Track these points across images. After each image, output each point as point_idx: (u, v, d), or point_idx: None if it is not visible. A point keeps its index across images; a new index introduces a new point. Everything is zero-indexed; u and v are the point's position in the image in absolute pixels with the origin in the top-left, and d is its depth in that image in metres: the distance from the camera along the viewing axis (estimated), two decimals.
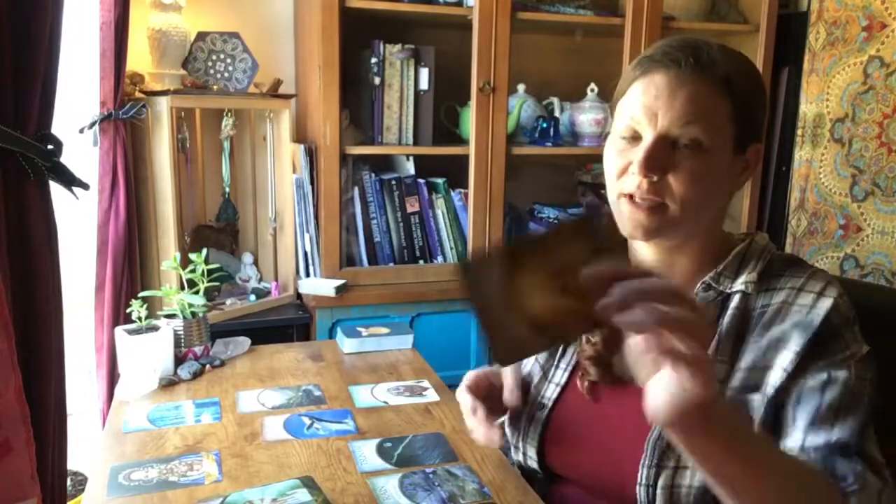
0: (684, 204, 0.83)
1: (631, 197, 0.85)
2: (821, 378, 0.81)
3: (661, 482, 0.84)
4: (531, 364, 1.03)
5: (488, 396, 0.96)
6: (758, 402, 0.83)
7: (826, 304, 0.83)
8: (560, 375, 0.99)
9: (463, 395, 0.95)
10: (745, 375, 0.85)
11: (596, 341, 0.95)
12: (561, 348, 1.00)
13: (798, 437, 0.80)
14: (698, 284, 0.89)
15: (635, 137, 0.86)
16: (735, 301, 0.88)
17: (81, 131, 1.73)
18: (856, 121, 2.24)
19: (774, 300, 0.86)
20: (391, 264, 2.18)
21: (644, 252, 0.93)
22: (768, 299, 0.87)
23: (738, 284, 0.88)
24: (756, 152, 0.90)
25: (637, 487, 0.85)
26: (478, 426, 0.92)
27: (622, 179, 0.86)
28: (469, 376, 0.97)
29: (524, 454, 0.99)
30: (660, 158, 0.83)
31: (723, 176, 0.87)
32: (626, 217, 0.87)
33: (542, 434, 0.97)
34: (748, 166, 0.90)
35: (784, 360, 0.82)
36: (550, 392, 0.98)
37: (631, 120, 0.85)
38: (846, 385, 0.80)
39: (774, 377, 0.82)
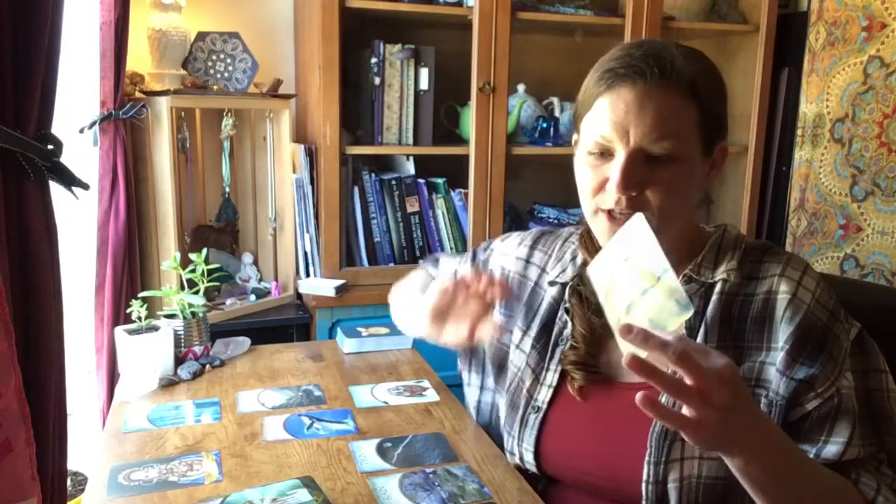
0: (663, 213, 0.85)
1: (609, 212, 0.86)
2: (831, 390, 0.82)
3: (671, 476, 0.84)
4: (522, 367, 1.03)
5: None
6: (763, 404, 0.84)
7: (807, 298, 0.85)
8: (551, 377, 0.99)
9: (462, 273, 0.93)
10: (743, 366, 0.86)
11: (578, 346, 0.95)
12: (549, 350, 1.00)
13: (822, 452, 0.82)
14: (679, 277, 0.90)
15: (606, 153, 0.86)
16: (718, 290, 0.90)
17: (81, 131, 1.73)
18: (856, 121, 2.24)
19: (760, 290, 0.88)
20: (391, 264, 2.18)
21: None
22: (753, 288, 0.89)
23: (720, 274, 0.90)
24: (721, 150, 0.91)
25: (643, 485, 0.85)
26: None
27: (599, 196, 0.87)
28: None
29: (521, 459, 0.99)
30: (636, 175, 0.83)
31: (695, 180, 0.88)
32: (606, 232, 0.88)
33: (538, 438, 0.97)
34: (715, 165, 0.91)
35: (785, 365, 0.84)
36: (543, 395, 0.98)
37: (601, 137, 0.85)
38: (850, 394, 0.83)
39: (779, 382, 0.84)
